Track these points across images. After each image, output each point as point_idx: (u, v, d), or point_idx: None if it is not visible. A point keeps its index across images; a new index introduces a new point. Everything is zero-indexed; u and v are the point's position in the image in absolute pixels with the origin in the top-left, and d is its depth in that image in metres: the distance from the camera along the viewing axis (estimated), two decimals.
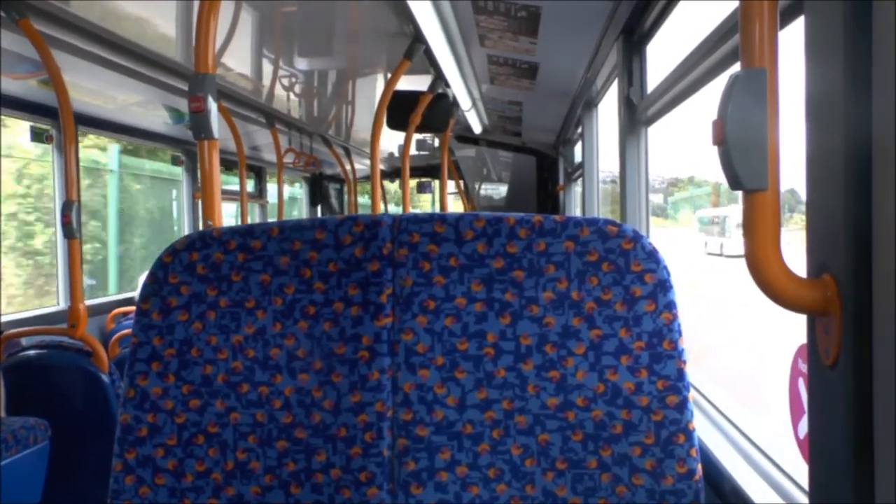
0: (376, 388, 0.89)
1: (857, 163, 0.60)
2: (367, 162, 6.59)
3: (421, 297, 0.90)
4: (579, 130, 3.86)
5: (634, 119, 2.11)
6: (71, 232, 2.41)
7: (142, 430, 0.92)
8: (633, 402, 0.87)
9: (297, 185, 7.69)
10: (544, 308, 0.88)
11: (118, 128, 3.95)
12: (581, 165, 3.86)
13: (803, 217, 0.70)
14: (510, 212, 1.32)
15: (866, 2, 0.59)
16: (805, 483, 1.00)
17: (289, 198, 7.43)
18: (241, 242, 0.92)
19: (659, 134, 2.15)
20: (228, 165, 5.05)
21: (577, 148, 4.35)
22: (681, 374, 0.87)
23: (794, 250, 0.71)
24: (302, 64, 3.31)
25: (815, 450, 0.71)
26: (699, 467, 0.87)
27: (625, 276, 0.88)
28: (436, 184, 7.38)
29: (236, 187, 4.50)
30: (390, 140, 5.07)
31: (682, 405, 0.87)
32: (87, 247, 4.38)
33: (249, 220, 5.00)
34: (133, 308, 3.61)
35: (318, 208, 7.62)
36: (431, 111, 3.10)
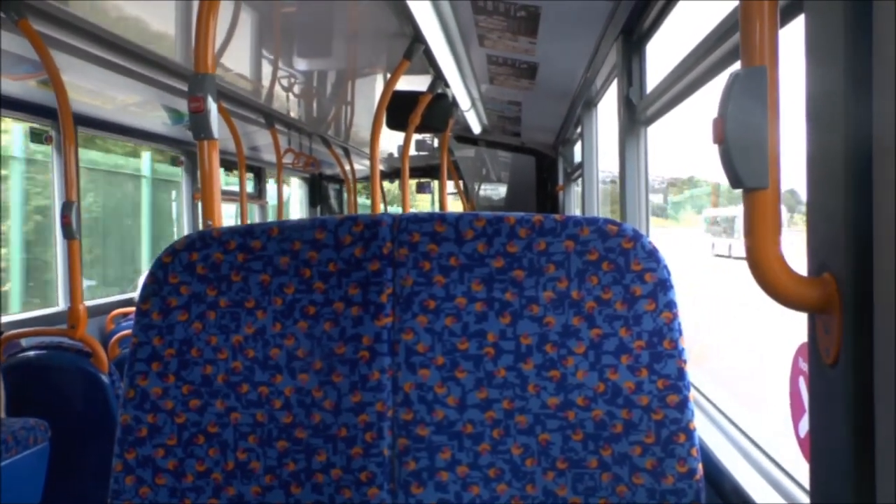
0: (376, 387, 0.89)
1: (858, 162, 0.60)
2: (367, 162, 6.59)
3: (421, 296, 0.90)
4: (579, 130, 3.86)
5: (634, 119, 2.11)
6: (70, 233, 2.41)
7: (142, 431, 0.92)
8: (634, 402, 0.87)
9: (287, 185, 7.40)
10: (544, 307, 0.88)
11: (117, 128, 3.94)
12: (580, 165, 3.86)
13: (804, 217, 0.70)
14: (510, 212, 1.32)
15: (866, 2, 0.59)
16: (806, 482, 1.00)
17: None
18: (240, 242, 0.92)
19: (659, 134, 2.15)
20: (228, 166, 5.05)
21: (577, 148, 4.35)
22: (681, 374, 0.87)
23: (795, 250, 0.71)
24: (301, 64, 3.32)
25: (815, 448, 0.71)
26: (700, 467, 0.87)
27: (625, 276, 0.88)
28: (435, 184, 7.38)
29: (236, 188, 4.50)
30: (390, 140, 5.07)
31: (683, 404, 0.87)
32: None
33: (249, 221, 4.99)
34: (132, 309, 3.62)
35: (318, 209, 7.61)
36: (431, 111, 3.10)
